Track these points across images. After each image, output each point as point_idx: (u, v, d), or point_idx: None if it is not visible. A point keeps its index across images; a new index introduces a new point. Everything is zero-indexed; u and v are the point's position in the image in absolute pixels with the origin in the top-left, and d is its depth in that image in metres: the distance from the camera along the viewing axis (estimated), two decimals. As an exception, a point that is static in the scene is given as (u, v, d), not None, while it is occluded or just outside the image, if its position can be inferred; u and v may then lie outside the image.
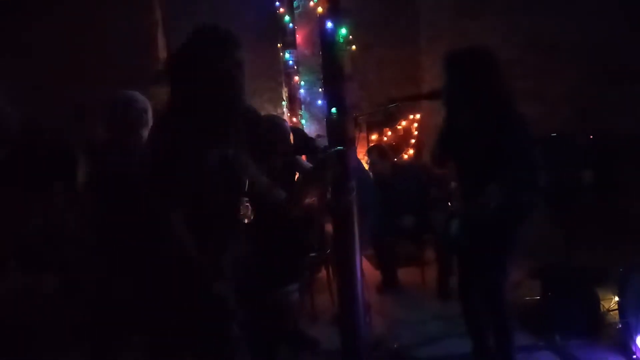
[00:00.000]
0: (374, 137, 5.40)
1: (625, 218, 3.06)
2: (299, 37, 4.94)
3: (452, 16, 5.01)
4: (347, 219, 2.57)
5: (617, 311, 2.82)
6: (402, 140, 5.35)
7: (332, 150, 2.14)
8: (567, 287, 3.09)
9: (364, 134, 5.54)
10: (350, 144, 2.57)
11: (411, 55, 5.34)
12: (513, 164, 2.15)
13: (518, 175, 2.16)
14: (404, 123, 5.25)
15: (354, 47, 4.26)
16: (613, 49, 4.70)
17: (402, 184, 4.22)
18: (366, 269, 4.32)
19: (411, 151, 5.38)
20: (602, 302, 3.04)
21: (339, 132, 2.52)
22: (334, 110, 2.49)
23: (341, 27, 2.50)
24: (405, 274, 4.24)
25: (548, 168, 3.79)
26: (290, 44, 4.99)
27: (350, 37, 2.63)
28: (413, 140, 5.33)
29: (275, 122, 2.90)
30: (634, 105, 4.67)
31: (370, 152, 4.46)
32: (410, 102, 2.54)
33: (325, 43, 2.52)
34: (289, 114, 5.10)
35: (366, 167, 4.40)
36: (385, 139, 5.29)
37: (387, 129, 5.32)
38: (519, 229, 2.37)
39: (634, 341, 2.67)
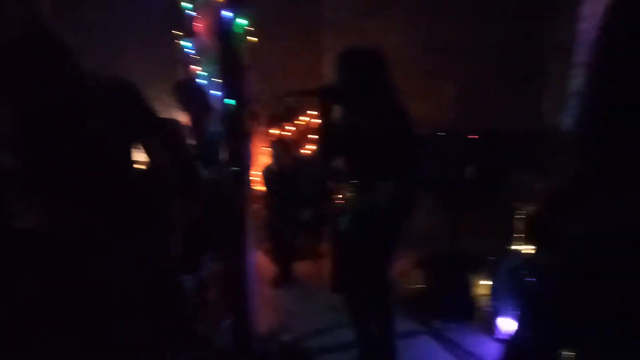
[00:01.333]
0: (274, 131, 5.41)
1: (502, 210, 3.36)
2: (199, 26, 4.78)
3: (354, 14, 5.15)
4: (240, 214, 2.56)
5: (488, 296, 3.11)
6: (302, 135, 5.40)
7: (229, 170, 2.10)
8: (446, 275, 3.33)
9: (263, 128, 5.52)
10: (247, 137, 2.56)
11: (314, 51, 5.39)
12: (400, 160, 2.26)
13: (406, 171, 2.28)
14: (304, 118, 5.31)
15: (254, 38, 4.20)
16: (501, 52, 5.15)
17: (303, 178, 4.29)
18: (262, 263, 4.37)
19: (311, 146, 5.46)
20: (476, 288, 3.33)
21: (236, 124, 2.50)
22: (231, 101, 2.45)
23: (240, 17, 2.46)
24: (301, 268, 4.31)
25: (437, 163, 4.09)
26: (190, 33, 4.81)
27: (251, 28, 2.59)
28: (313, 136, 5.41)
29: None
30: (513, 105, 5.17)
31: (274, 144, 4.47)
32: (306, 97, 2.56)
33: (222, 33, 2.46)
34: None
35: (270, 160, 4.42)
36: (285, 133, 5.31)
37: (288, 123, 5.35)
38: (405, 222, 2.49)
39: (499, 322, 2.96)
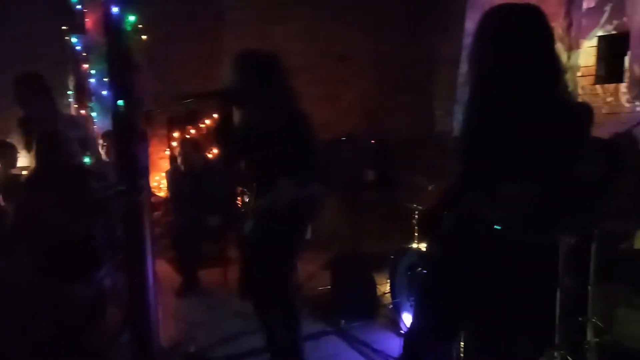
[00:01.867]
0: (176, 134, 5.21)
1: (401, 210, 3.51)
2: (89, 21, 4.47)
3: (256, 18, 5.12)
4: (136, 221, 2.42)
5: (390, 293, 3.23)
6: (206, 139, 5.26)
7: (113, 191, 1.98)
8: (350, 275, 3.41)
9: (164, 131, 5.30)
10: (140, 139, 2.43)
11: (215, 52, 5.28)
12: (297, 161, 2.27)
13: (302, 172, 2.29)
14: (207, 121, 5.18)
15: (144, 36, 4.02)
16: (396, 63, 5.43)
17: (211, 181, 4.17)
18: (166, 271, 4.18)
19: (216, 150, 5.34)
20: (378, 286, 3.44)
21: (127, 126, 2.36)
22: (120, 102, 2.31)
23: (128, 14, 2.33)
24: (208, 275, 4.18)
25: (339, 167, 4.19)
26: (79, 28, 4.49)
27: (141, 25, 2.47)
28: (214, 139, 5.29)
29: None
30: (407, 112, 5.46)
31: (183, 144, 4.34)
32: (205, 99, 2.49)
33: (110, 29, 2.33)
34: (76, 105, 4.58)
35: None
36: (188, 136, 5.14)
37: (190, 126, 5.19)
38: (306, 224, 2.50)
39: (402, 318, 3.08)
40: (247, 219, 2.52)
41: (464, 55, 4.90)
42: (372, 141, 4.36)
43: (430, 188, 3.14)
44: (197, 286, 4.05)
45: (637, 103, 3.52)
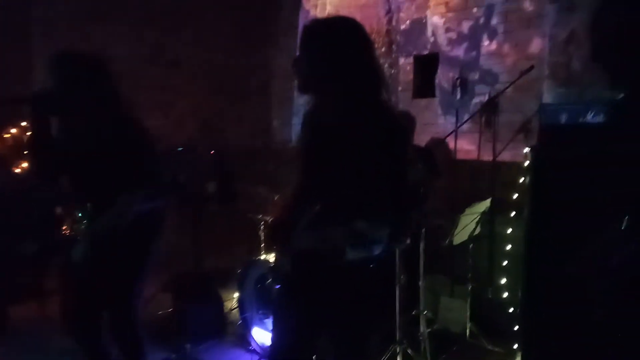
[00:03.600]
0: (-28, 146, 4.36)
1: (244, 222, 3.44)
2: None
3: (70, 16, 4.58)
4: None
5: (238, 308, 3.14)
6: (13, 151, 4.51)
7: None
8: (194, 294, 3.23)
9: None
10: None
11: (24, 54, 4.59)
12: (136, 173, 2.06)
13: (143, 184, 2.09)
14: (13, 130, 4.44)
15: None
16: (232, 73, 5.35)
17: (23, 202, 3.56)
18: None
19: (25, 164, 4.61)
20: (225, 303, 3.32)
21: None
22: None
23: None
24: (21, 311, 3.57)
25: (177, 180, 3.94)
26: None
27: None
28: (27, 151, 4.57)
29: None
30: (245, 122, 5.43)
31: None
32: (14, 105, 2.13)
33: None
34: None
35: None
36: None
37: (-10, 137, 4.39)
38: (153, 242, 2.29)
39: (251, 333, 3.01)
40: (76, 242, 2.20)
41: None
42: (212, 152, 4.21)
43: (273, 198, 3.14)
44: (7, 324, 3.44)
45: (447, 117, 4.02)
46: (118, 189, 2.03)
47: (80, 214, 2.23)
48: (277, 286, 1.78)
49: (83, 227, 2.17)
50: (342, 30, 1.55)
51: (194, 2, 5.10)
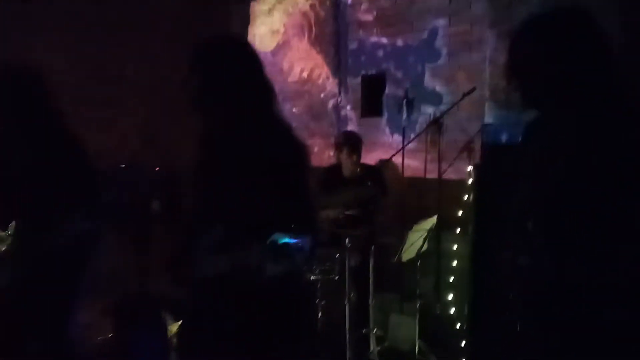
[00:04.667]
0: None
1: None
2: None
3: (7, 26, 4.35)
4: None
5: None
6: None
7: None
8: (137, 318, 3.08)
9: None
10: None
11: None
12: (76, 194, 1.96)
13: (83, 206, 1.98)
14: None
15: None
16: (177, 87, 5.23)
17: None
18: None
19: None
20: (170, 327, 3.18)
21: None
22: None
23: None
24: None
25: (118, 198, 3.77)
26: None
27: None
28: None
29: None
30: (191, 138, 5.31)
31: None
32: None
33: None
34: None
35: None
36: None
37: None
38: (86, 266, 2.17)
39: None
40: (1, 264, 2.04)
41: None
42: (156, 169, 4.08)
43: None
44: None
45: (394, 136, 4.10)
46: (51, 208, 1.93)
47: (4, 234, 2.08)
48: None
49: (7, 248, 2.02)
50: (229, 49, 1.58)
51: (139, 14, 4.98)
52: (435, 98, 3.84)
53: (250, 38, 5.06)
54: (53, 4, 4.55)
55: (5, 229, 2.04)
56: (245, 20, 5.31)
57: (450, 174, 3.45)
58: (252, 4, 5.21)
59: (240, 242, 1.42)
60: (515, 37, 1.35)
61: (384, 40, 4.19)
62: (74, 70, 4.57)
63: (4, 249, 2.04)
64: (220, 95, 1.53)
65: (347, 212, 3.02)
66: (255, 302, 1.49)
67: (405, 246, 3.07)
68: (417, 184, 3.75)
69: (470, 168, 3.06)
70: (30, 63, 2.11)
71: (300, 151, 1.59)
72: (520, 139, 2.24)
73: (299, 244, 1.33)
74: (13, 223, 1.98)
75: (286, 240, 1.33)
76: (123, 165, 3.97)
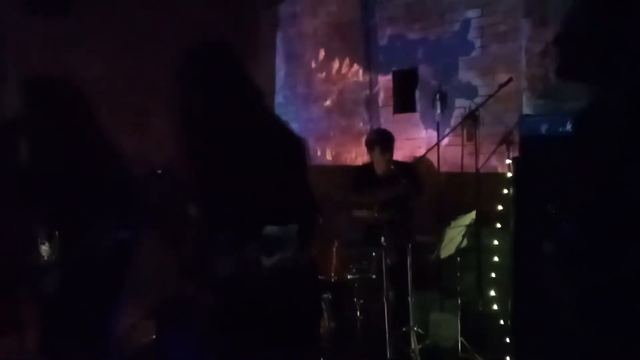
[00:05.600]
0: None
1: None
2: None
3: (44, 40, 4.51)
4: None
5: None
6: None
7: None
8: (178, 321, 3.13)
9: None
10: None
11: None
12: (111, 201, 2.01)
13: (120, 213, 2.03)
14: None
15: None
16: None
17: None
18: None
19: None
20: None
21: None
22: None
23: None
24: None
25: (157, 204, 3.86)
26: None
27: None
28: None
29: None
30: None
31: None
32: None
33: None
34: None
35: None
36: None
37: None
38: (127, 271, 2.22)
39: None
40: (46, 272, 2.11)
41: (278, 86, 5.07)
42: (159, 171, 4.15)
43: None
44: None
45: (428, 131, 4.03)
46: (90, 216, 1.98)
47: (47, 244, 2.14)
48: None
49: (52, 256, 2.08)
50: (213, 54, 1.64)
51: (170, 23, 5.07)
52: (470, 91, 3.76)
53: (278, 42, 5.08)
54: (89, 17, 4.69)
55: (48, 239, 2.11)
56: (274, 24, 5.34)
57: (488, 168, 3.36)
58: (280, 7, 5.23)
59: (243, 241, 1.44)
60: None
61: (415, 34, 4.12)
62: (110, 79, 4.70)
63: (47, 257, 2.11)
64: (209, 99, 1.57)
65: (382, 212, 2.97)
66: (261, 301, 1.52)
67: (444, 243, 3.00)
68: (454, 179, 3.67)
69: (509, 161, 2.98)
70: (66, 74, 2.18)
71: (296, 146, 1.61)
72: (560, 129, 2.14)
73: (288, 234, 1.37)
74: (56, 232, 2.05)
75: (276, 231, 1.37)
76: (160, 171, 4.06)
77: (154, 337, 3.18)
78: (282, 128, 1.65)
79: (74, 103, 2.08)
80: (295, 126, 4.41)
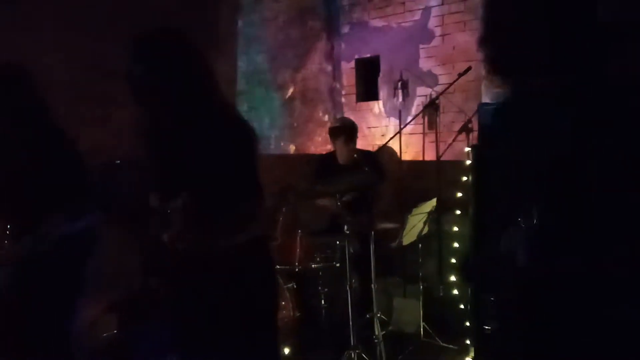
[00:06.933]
0: None
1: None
2: None
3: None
4: None
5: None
6: None
7: None
8: (143, 314, 3.09)
9: None
10: None
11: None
12: (66, 192, 1.95)
13: (75, 203, 1.98)
14: None
15: None
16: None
17: None
18: None
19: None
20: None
21: None
22: None
23: None
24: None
25: (117, 195, 3.77)
26: None
27: None
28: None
29: None
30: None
31: None
32: None
33: None
34: None
35: None
36: None
37: None
38: (84, 264, 2.17)
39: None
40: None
41: (240, 73, 5.00)
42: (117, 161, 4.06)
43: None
44: None
45: (390, 119, 4.07)
46: (43, 208, 1.92)
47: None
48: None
49: (4, 251, 2.02)
50: (168, 42, 1.62)
51: (130, 7, 4.91)
52: (431, 79, 3.80)
53: (239, 28, 4.99)
54: (44, 1, 4.49)
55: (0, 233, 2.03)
56: (235, 9, 5.24)
57: (449, 156, 3.43)
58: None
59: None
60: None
61: (377, 22, 4.13)
62: (67, 67, 4.52)
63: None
64: (162, 85, 1.56)
65: (344, 199, 2.99)
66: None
67: (406, 230, 3.06)
68: (416, 167, 3.73)
69: (468, 149, 3.04)
70: (18, 62, 2.08)
71: (247, 134, 1.62)
72: (518, 117, 2.20)
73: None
74: (9, 226, 1.97)
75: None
76: (118, 161, 3.96)
77: (116, 331, 3.12)
78: (233, 117, 1.66)
79: (25, 91, 2.00)
80: (257, 114, 4.37)
